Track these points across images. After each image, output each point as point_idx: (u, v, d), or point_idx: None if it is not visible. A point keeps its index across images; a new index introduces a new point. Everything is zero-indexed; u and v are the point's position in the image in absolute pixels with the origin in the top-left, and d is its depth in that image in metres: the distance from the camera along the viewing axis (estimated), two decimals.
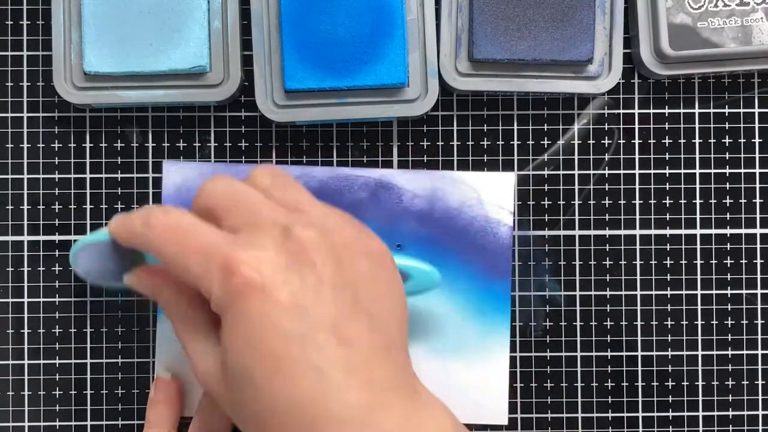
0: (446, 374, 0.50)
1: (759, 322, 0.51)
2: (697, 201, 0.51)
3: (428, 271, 0.46)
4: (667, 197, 0.51)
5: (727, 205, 0.51)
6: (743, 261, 0.51)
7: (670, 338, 0.51)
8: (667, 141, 0.51)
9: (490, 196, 0.50)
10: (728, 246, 0.51)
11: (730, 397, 0.51)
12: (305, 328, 0.37)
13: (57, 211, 0.51)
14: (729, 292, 0.51)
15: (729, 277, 0.51)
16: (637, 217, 0.51)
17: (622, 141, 0.51)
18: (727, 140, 0.51)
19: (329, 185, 0.50)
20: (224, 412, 0.41)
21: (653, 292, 0.51)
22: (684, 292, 0.51)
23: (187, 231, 0.40)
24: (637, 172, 0.51)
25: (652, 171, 0.51)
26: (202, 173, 0.50)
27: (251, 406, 0.38)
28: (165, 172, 0.50)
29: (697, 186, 0.51)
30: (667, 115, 0.52)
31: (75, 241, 0.48)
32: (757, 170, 0.51)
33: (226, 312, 0.38)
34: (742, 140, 0.52)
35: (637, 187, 0.51)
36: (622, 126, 0.51)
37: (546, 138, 0.51)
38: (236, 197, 0.41)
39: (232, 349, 0.38)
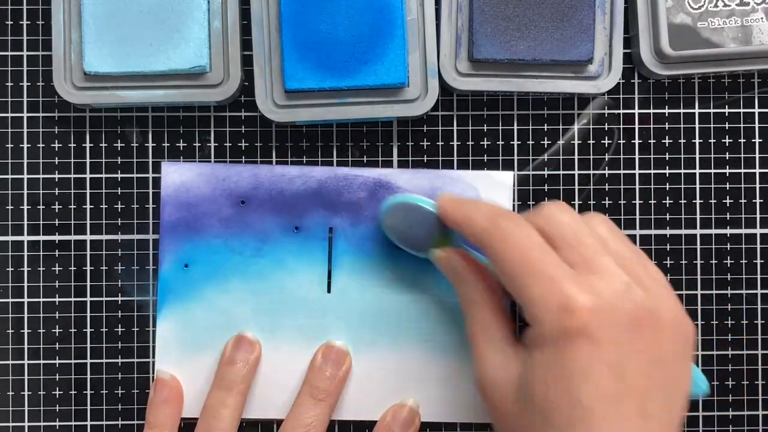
0: (449, 372, 0.50)
1: (759, 322, 0.51)
2: (697, 201, 0.51)
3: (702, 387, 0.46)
4: (667, 197, 0.51)
5: (727, 205, 0.51)
6: (743, 261, 0.51)
7: None
8: (667, 141, 0.51)
9: (488, 194, 0.50)
10: (728, 246, 0.51)
11: (730, 397, 0.51)
12: (618, 391, 0.38)
13: (57, 211, 0.51)
14: (729, 292, 0.51)
15: (729, 277, 0.51)
16: (637, 217, 0.51)
17: (622, 141, 0.51)
18: (727, 140, 0.51)
19: (328, 185, 0.50)
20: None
21: None
22: (684, 292, 0.51)
23: (537, 252, 0.40)
24: (637, 172, 0.51)
25: (652, 171, 0.51)
26: (201, 173, 0.50)
27: None
28: (164, 172, 0.50)
29: (697, 186, 0.51)
30: (667, 115, 0.52)
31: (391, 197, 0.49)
32: (757, 170, 0.51)
33: (547, 345, 0.39)
34: (742, 140, 0.52)
35: (637, 187, 0.51)
36: (622, 126, 0.51)
37: (546, 138, 0.51)
38: (581, 235, 0.42)
39: (540, 381, 0.39)
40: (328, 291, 0.50)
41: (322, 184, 0.50)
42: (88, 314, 0.51)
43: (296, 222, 0.50)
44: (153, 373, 0.51)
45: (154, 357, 0.51)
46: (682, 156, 0.51)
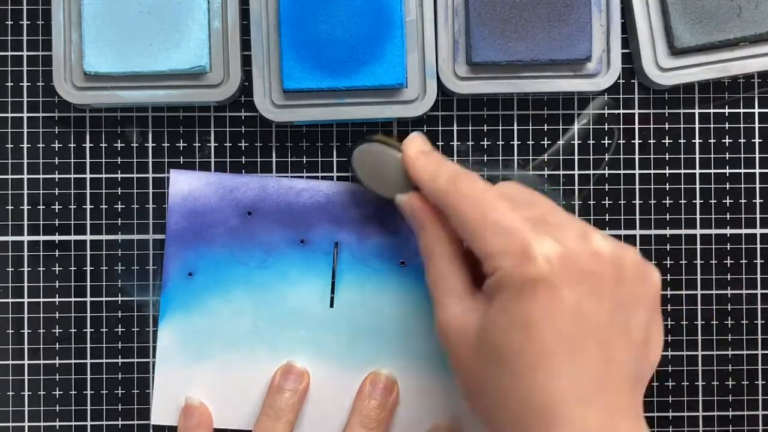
0: (444, 389, 0.50)
1: (759, 322, 0.51)
2: (697, 201, 0.51)
3: None
4: (667, 197, 0.51)
5: (727, 205, 0.51)
6: (743, 261, 0.51)
7: (670, 338, 0.51)
8: (667, 141, 0.51)
9: None
10: (728, 246, 0.51)
11: (730, 397, 0.51)
12: (579, 334, 0.38)
13: (57, 211, 0.51)
14: (729, 292, 0.51)
15: (729, 277, 0.51)
16: (637, 217, 0.51)
17: (622, 141, 0.51)
18: (727, 140, 0.51)
19: (335, 199, 0.50)
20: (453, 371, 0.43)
21: None
22: (684, 292, 0.51)
23: (494, 205, 0.41)
24: (637, 172, 0.51)
25: (652, 171, 0.51)
26: (209, 182, 0.50)
27: (497, 386, 0.39)
28: (172, 180, 0.50)
29: (697, 186, 0.51)
30: (667, 115, 0.51)
31: (355, 142, 0.48)
32: (757, 170, 0.51)
33: (506, 292, 0.39)
34: (742, 140, 0.51)
35: (637, 187, 0.51)
36: (622, 126, 0.51)
37: (546, 138, 0.51)
38: (534, 195, 0.43)
39: (500, 328, 0.39)
40: (331, 305, 0.50)
41: (330, 198, 0.50)
42: (88, 314, 0.51)
43: (302, 235, 0.50)
44: (153, 373, 0.51)
45: (154, 357, 0.51)
46: (682, 156, 0.51)
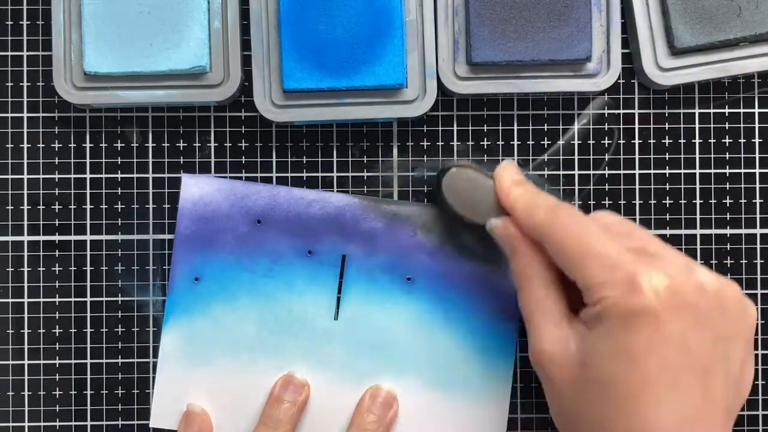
0: (444, 408, 0.50)
1: (759, 322, 0.51)
2: (697, 201, 0.51)
3: None
4: (667, 197, 0.51)
5: (727, 205, 0.51)
6: (743, 261, 0.51)
7: None
8: (667, 141, 0.51)
9: None
10: (728, 246, 0.51)
11: None
12: (682, 365, 0.39)
13: (57, 211, 0.51)
14: None
15: (729, 277, 0.51)
16: (638, 217, 0.51)
17: (622, 141, 0.51)
18: (727, 140, 0.51)
19: (345, 212, 0.50)
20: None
21: None
22: None
23: (597, 236, 0.41)
24: (637, 172, 0.51)
25: (652, 171, 0.51)
26: (221, 189, 0.50)
27: (597, 415, 0.40)
28: (183, 185, 0.50)
29: (697, 186, 0.51)
30: (667, 115, 0.51)
31: (445, 167, 0.48)
32: (757, 170, 0.51)
33: (611, 321, 0.40)
34: (742, 140, 0.51)
35: (637, 187, 0.51)
36: (622, 126, 0.51)
37: (546, 138, 0.51)
38: (632, 226, 0.44)
39: (603, 356, 0.40)
40: (335, 318, 0.50)
41: (340, 210, 0.50)
42: (88, 314, 0.51)
43: (310, 246, 0.50)
44: (153, 373, 0.51)
45: (154, 357, 0.51)
46: (682, 156, 0.51)
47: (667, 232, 0.51)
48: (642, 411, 0.39)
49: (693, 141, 0.51)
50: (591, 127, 0.51)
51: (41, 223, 0.51)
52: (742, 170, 0.51)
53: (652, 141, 0.51)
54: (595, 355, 0.40)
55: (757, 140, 0.51)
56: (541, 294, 0.43)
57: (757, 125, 0.51)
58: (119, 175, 0.51)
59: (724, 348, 0.41)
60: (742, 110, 0.52)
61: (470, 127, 0.51)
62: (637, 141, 0.51)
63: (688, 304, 0.40)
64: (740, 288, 0.43)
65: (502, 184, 0.46)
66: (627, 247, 0.41)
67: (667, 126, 0.51)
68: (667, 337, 0.39)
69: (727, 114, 0.52)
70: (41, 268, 0.51)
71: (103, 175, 0.51)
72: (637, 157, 0.51)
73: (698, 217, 0.51)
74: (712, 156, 0.51)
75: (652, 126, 0.51)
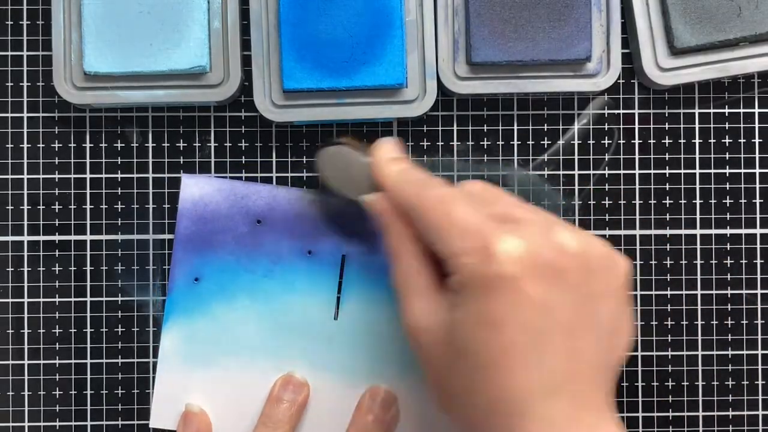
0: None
1: (759, 322, 0.51)
2: (697, 201, 0.51)
3: None
4: (667, 197, 0.51)
5: (727, 205, 0.51)
6: (743, 261, 0.51)
7: (670, 338, 0.51)
8: (667, 141, 0.51)
9: None
10: (728, 246, 0.51)
11: (730, 397, 0.51)
12: (544, 327, 0.38)
13: (57, 211, 0.51)
14: (729, 292, 0.51)
15: (729, 277, 0.51)
16: (637, 217, 0.51)
17: (622, 141, 0.51)
18: (727, 140, 0.51)
19: (350, 210, 0.50)
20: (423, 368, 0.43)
21: (653, 292, 0.51)
22: (684, 292, 0.51)
23: (456, 205, 0.41)
24: (637, 172, 0.51)
25: (652, 171, 0.51)
26: (220, 189, 0.50)
27: (466, 383, 0.39)
28: (183, 185, 0.50)
29: (697, 186, 0.51)
30: (667, 115, 0.51)
31: (323, 144, 0.48)
32: (757, 170, 0.51)
33: (471, 290, 0.39)
34: (742, 140, 0.51)
35: (637, 187, 0.51)
36: (622, 126, 0.51)
37: (546, 138, 0.51)
38: (500, 191, 0.43)
39: (467, 325, 0.39)
40: (335, 318, 0.50)
41: (339, 210, 0.50)
42: (88, 314, 0.51)
43: (310, 246, 0.50)
44: (153, 373, 0.51)
45: (154, 357, 0.51)
46: (682, 156, 0.51)
47: (667, 232, 0.51)
48: (506, 376, 0.38)
49: (693, 141, 0.51)
50: (591, 127, 0.51)
51: (41, 223, 0.51)
52: (742, 170, 0.51)
53: (652, 141, 0.51)
54: (461, 324, 0.40)
55: (757, 140, 0.51)
56: (411, 267, 0.43)
57: (757, 125, 0.52)
58: (119, 175, 0.51)
59: (592, 307, 0.40)
60: (742, 110, 0.52)
61: (470, 127, 0.51)
62: (637, 141, 0.51)
63: (548, 266, 0.39)
64: (608, 245, 0.41)
65: (378, 160, 0.45)
66: (491, 214, 0.41)
67: (667, 126, 0.51)
68: (527, 301, 0.38)
69: (727, 114, 0.52)
70: (41, 268, 0.51)
71: (103, 175, 0.51)
72: (637, 157, 0.51)
73: (698, 217, 0.51)
74: (712, 156, 0.51)
75: (652, 126, 0.51)
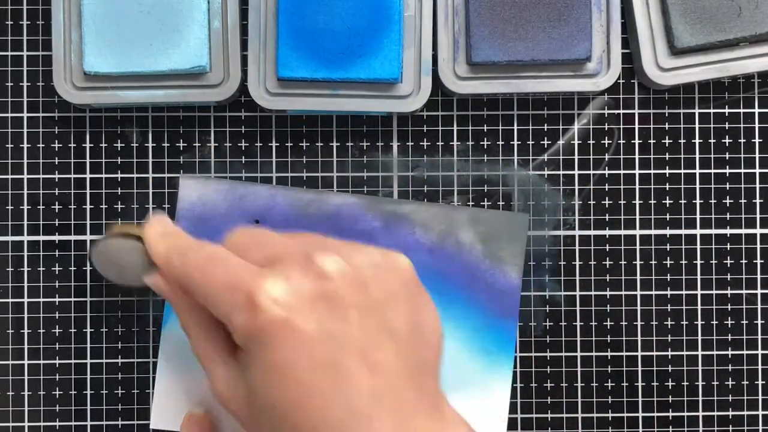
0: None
1: (759, 322, 0.51)
2: (697, 201, 0.51)
3: None
4: (667, 197, 0.51)
5: (727, 205, 0.51)
6: (743, 261, 0.51)
7: (670, 338, 0.51)
8: (667, 141, 0.51)
9: (502, 234, 0.50)
10: (728, 246, 0.51)
11: (730, 397, 0.51)
12: (334, 355, 0.37)
13: (57, 211, 0.51)
14: (729, 292, 0.51)
15: (729, 277, 0.51)
16: (637, 217, 0.51)
17: (622, 141, 0.51)
18: (727, 140, 0.51)
19: (343, 212, 0.50)
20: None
21: (653, 292, 0.51)
22: (684, 292, 0.51)
23: (217, 262, 0.40)
24: (637, 172, 0.51)
25: (652, 171, 0.51)
26: (218, 189, 0.50)
27: None
28: (181, 186, 0.50)
29: (697, 186, 0.51)
30: (667, 115, 0.51)
31: (92, 240, 0.48)
32: (757, 170, 0.51)
33: (253, 345, 0.38)
34: (742, 140, 0.51)
35: (637, 187, 0.51)
36: (622, 126, 0.51)
37: (546, 138, 0.51)
38: (265, 233, 0.42)
39: (259, 380, 0.38)
40: None
41: (338, 210, 0.50)
42: (88, 314, 0.51)
43: None
44: (153, 373, 0.51)
45: (154, 357, 0.51)
46: (682, 156, 0.51)
47: (667, 232, 0.51)
48: (315, 419, 0.37)
49: (693, 141, 0.51)
50: (591, 127, 0.51)
51: (41, 223, 0.51)
52: (742, 170, 0.51)
53: (652, 141, 0.51)
54: (254, 382, 0.39)
55: (757, 140, 0.51)
56: (203, 338, 0.42)
57: (757, 125, 0.52)
58: (119, 175, 0.51)
59: (378, 317, 0.39)
60: (742, 110, 0.52)
61: (470, 127, 0.51)
62: (637, 141, 0.51)
63: (316, 296, 0.38)
64: (379, 250, 0.41)
65: (148, 239, 0.44)
66: (257, 260, 0.40)
67: (667, 126, 0.51)
68: (306, 338, 0.37)
69: (727, 114, 0.52)
70: (41, 268, 0.51)
71: (103, 175, 0.51)
72: (637, 157, 0.51)
73: (698, 217, 0.51)
74: (712, 156, 0.51)
75: (652, 126, 0.51)
